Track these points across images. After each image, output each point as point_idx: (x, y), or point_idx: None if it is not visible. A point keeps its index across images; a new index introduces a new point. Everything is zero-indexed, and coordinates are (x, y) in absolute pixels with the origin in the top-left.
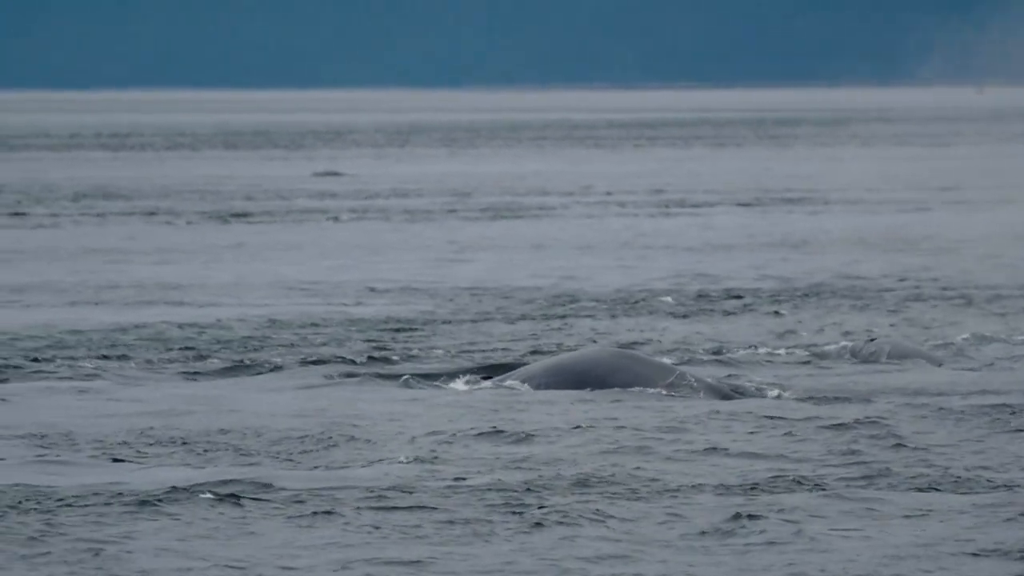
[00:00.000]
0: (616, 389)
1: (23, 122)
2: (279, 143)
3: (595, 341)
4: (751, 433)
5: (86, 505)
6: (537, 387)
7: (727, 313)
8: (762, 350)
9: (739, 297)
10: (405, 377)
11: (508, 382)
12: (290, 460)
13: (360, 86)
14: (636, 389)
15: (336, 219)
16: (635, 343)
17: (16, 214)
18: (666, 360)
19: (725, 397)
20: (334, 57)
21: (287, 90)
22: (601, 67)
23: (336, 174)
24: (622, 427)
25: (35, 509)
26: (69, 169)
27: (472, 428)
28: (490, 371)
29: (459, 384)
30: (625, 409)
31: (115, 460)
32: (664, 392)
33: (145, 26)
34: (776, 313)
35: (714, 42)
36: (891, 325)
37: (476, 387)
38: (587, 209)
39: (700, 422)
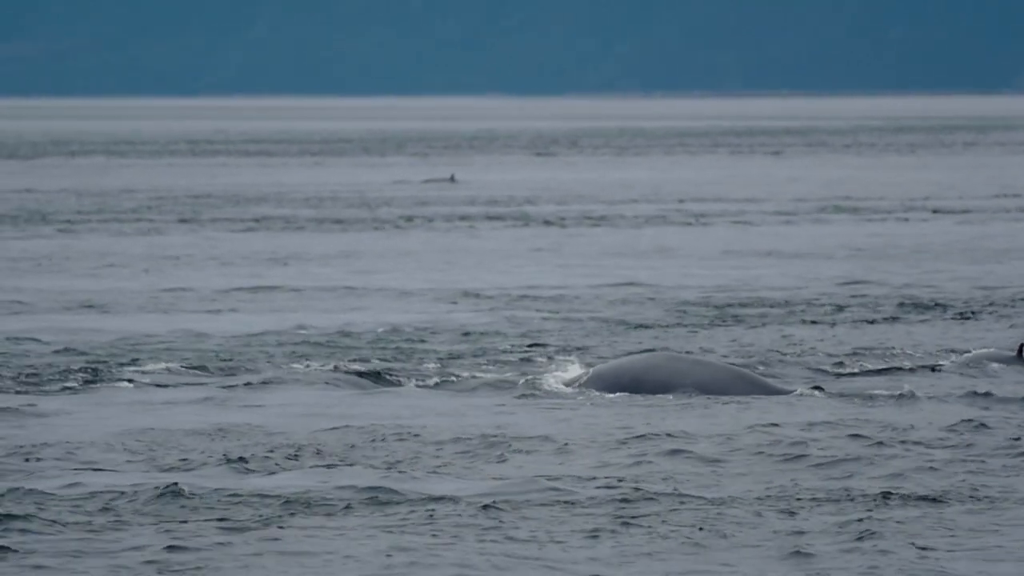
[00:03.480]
0: (668, 394)
1: (129, 129)
2: (385, 150)
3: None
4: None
5: (229, 508)
6: (601, 389)
7: (886, 320)
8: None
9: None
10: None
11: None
12: (428, 468)
13: (461, 94)
14: (689, 391)
15: (466, 225)
16: (778, 350)
17: (111, 220)
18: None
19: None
20: (435, 65)
21: (388, 98)
22: (702, 75)
23: (445, 180)
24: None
25: (164, 514)
26: (165, 176)
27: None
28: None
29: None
30: (684, 417)
31: (244, 465)
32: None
33: (246, 34)
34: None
35: (813, 50)
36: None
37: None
38: (709, 218)
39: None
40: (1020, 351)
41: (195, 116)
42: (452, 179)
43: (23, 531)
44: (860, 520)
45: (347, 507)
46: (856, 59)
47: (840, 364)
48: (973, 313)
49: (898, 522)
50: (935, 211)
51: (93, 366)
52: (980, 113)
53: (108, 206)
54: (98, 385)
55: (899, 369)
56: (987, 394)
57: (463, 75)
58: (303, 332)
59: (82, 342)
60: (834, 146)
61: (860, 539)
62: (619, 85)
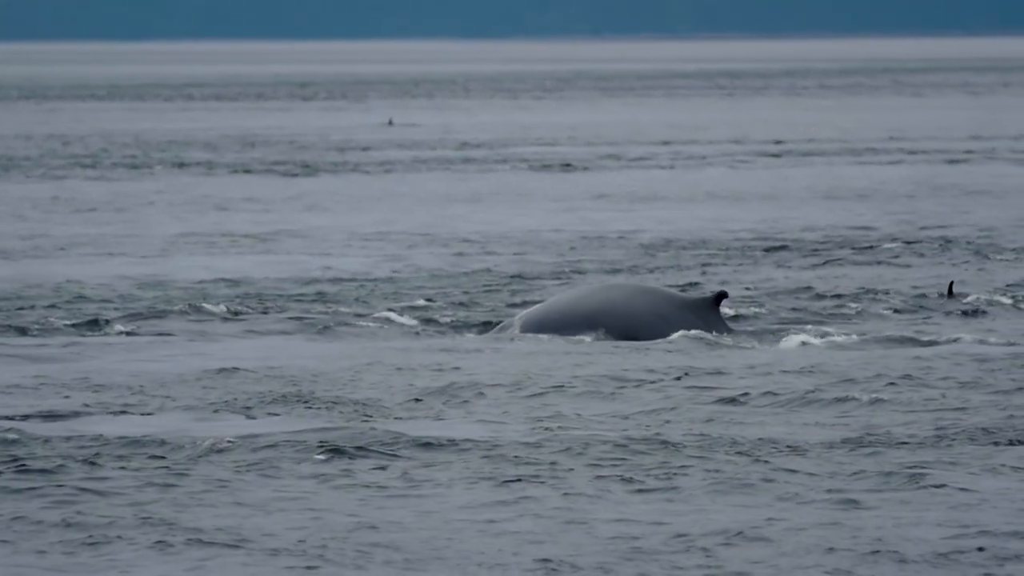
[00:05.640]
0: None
1: (82, 73)
2: (336, 94)
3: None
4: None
5: (209, 456)
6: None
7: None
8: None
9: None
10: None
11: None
12: (383, 415)
13: (412, 37)
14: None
15: (426, 169)
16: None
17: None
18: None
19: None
20: (385, 8)
21: (342, 41)
22: (652, 18)
23: (391, 124)
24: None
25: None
26: (122, 122)
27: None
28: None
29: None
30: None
31: (184, 412)
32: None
33: None
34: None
35: None
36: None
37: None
38: (671, 160)
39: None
40: (950, 290)
41: (149, 61)
42: (390, 123)
43: (49, 474)
44: (906, 465)
45: (305, 452)
46: (806, 1)
47: (826, 302)
48: (943, 248)
49: (918, 463)
50: (912, 152)
51: (80, 311)
52: (935, 55)
53: (65, 151)
54: (88, 334)
55: (854, 311)
56: (918, 335)
57: (413, 18)
58: (271, 278)
59: (69, 287)
60: (800, 88)
61: (907, 482)
62: (569, 28)
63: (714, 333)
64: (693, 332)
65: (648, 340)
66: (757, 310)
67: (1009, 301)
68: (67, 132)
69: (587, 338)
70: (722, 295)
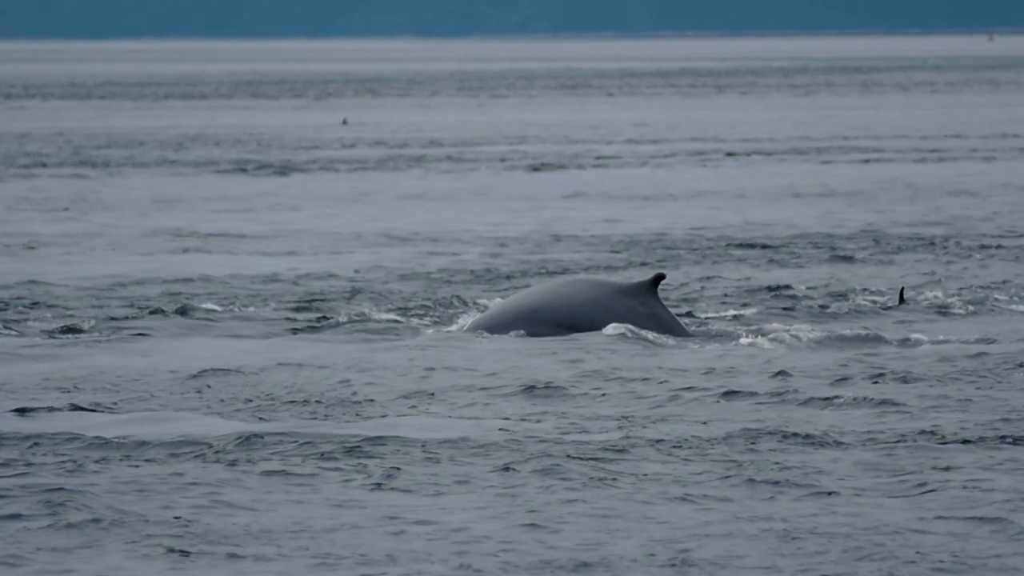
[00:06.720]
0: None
1: (40, 72)
2: (300, 92)
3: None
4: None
5: (172, 456)
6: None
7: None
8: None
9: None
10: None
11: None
12: (335, 414)
13: (370, 36)
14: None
15: (391, 168)
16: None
17: (43, 164)
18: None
19: (675, 333)
20: (342, 7)
21: (297, 40)
22: (611, 17)
23: (345, 123)
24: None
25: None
26: (91, 120)
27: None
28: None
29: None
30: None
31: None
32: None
33: None
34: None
35: None
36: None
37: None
38: (635, 159)
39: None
40: (901, 296)
41: (110, 59)
42: (344, 122)
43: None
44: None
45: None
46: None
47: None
48: (900, 249)
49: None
50: (878, 150)
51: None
52: (896, 53)
53: (31, 150)
54: (59, 334)
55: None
56: (884, 334)
57: (367, 17)
58: (241, 276)
59: (38, 287)
60: (762, 86)
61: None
62: (528, 27)
63: (654, 316)
64: (633, 318)
65: (588, 327)
66: (723, 311)
67: (975, 300)
68: (31, 130)
69: (531, 330)
70: (659, 276)
